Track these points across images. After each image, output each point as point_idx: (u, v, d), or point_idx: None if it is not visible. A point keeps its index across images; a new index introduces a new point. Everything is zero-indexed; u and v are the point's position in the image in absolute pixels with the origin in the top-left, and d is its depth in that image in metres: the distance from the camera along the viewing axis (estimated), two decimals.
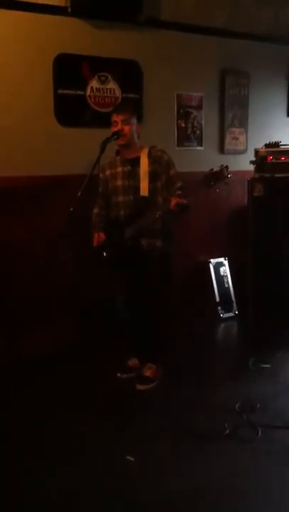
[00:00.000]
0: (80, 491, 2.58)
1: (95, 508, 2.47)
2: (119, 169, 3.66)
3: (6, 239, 4.17)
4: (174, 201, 3.28)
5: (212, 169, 3.34)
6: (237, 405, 3.34)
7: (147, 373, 3.78)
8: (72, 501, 2.52)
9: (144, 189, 3.56)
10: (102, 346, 4.29)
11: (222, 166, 3.36)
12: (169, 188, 3.55)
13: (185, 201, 3.29)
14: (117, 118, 3.57)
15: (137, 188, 3.58)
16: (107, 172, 3.72)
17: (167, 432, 3.12)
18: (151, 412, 3.38)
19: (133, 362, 3.96)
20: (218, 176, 3.32)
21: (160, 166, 3.59)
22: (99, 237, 3.73)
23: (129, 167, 3.62)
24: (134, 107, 3.94)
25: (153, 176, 3.57)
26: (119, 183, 3.64)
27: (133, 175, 3.60)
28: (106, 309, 4.37)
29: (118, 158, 3.70)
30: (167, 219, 3.55)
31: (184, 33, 4.88)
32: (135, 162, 3.61)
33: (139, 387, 3.70)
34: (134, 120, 3.62)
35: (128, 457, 2.83)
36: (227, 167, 3.38)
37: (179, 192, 3.37)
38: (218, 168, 3.33)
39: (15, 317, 4.26)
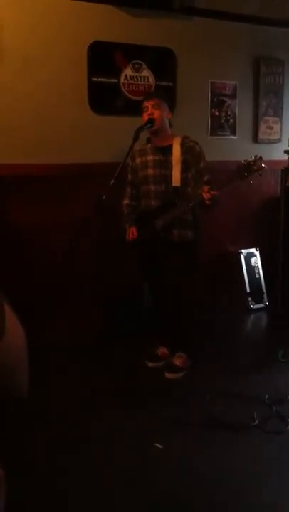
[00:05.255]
0: (103, 475, 2.62)
1: (120, 492, 2.51)
2: (150, 157, 3.64)
3: (34, 226, 4.18)
4: (206, 192, 3.27)
5: (246, 160, 3.31)
6: (266, 397, 3.34)
7: (176, 362, 3.78)
8: (95, 487, 2.54)
9: (176, 179, 3.54)
10: (127, 335, 4.28)
11: (256, 156, 3.33)
12: (197, 181, 3.54)
13: (216, 192, 3.28)
14: (147, 103, 3.57)
15: (169, 178, 3.56)
16: (138, 160, 3.71)
17: (194, 420, 3.13)
18: (179, 401, 3.39)
19: (162, 351, 3.96)
20: (252, 167, 3.30)
21: (192, 156, 3.57)
22: (132, 231, 3.75)
23: (162, 156, 3.60)
24: (165, 94, 3.92)
25: (184, 166, 3.55)
26: (151, 171, 3.62)
27: (165, 164, 3.58)
28: (132, 298, 4.39)
29: (149, 146, 3.68)
30: (198, 210, 3.55)
31: (218, 20, 4.80)
32: (167, 151, 3.58)
33: (168, 375, 3.71)
34: (164, 106, 3.60)
35: (156, 444, 2.86)
36: (261, 158, 3.34)
37: (207, 184, 3.35)
38: (252, 159, 3.31)
39: (38, 306, 4.24)
